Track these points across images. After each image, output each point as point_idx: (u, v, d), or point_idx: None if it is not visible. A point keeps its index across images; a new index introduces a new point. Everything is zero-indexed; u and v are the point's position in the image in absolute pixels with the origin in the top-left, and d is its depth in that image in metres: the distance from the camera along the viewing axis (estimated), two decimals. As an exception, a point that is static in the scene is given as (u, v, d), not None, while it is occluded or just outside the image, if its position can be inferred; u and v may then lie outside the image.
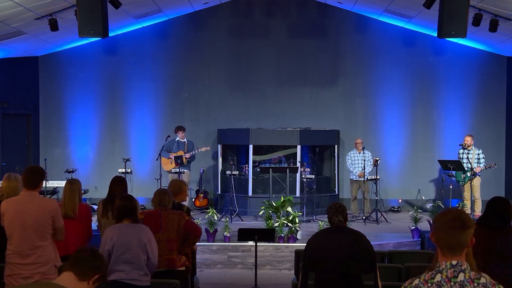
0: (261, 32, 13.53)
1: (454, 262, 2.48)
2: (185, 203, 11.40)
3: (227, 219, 10.11)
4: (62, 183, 10.91)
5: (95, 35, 8.75)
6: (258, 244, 7.96)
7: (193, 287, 6.43)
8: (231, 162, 11.89)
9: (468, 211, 10.99)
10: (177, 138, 11.94)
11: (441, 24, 8.56)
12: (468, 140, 11.48)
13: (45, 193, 11.90)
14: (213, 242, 9.29)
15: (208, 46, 13.59)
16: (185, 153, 11.72)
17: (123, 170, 12.05)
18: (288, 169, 11.61)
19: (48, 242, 5.00)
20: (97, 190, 12.93)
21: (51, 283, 2.89)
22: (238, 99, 13.59)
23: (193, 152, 11.82)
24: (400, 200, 13.29)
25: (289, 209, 9.67)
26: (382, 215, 11.53)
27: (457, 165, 11.16)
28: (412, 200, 13.19)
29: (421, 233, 9.66)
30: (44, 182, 11.71)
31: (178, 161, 11.49)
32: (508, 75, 13.24)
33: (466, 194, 11.38)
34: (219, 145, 13.17)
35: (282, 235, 9.21)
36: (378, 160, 11.78)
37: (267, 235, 8.11)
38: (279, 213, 9.65)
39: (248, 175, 12.51)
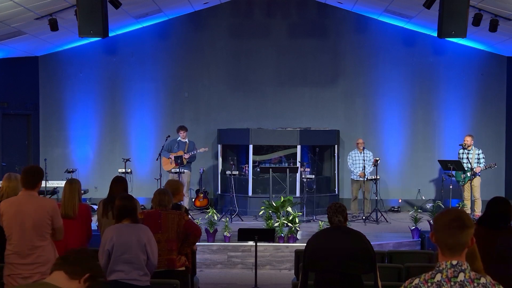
0: (261, 32, 13.53)
1: (454, 262, 2.48)
2: (185, 203, 11.46)
3: (227, 219, 10.11)
4: (62, 183, 10.89)
5: (95, 35, 8.75)
6: (258, 244, 7.96)
7: (193, 287, 6.43)
8: (231, 162, 11.89)
9: (468, 211, 10.98)
10: (179, 138, 11.94)
11: (441, 24, 8.56)
12: (468, 140, 11.48)
13: (45, 193, 11.90)
14: (213, 242, 9.29)
15: (208, 46, 13.59)
16: (185, 153, 11.72)
17: (123, 170, 12.05)
18: (288, 169, 11.61)
19: (48, 242, 5.00)
20: (97, 190, 12.92)
21: (46, 283, 2.88)
22: (238, 99, 13.59)
23: (193, 152, 11.82)
24: (400, 200, 13.29)
25: (289, 209, 9.67)
26: (382, 215, 11.53)
27: (457, 165, 11.16)
28: (412, 200, 13.19)
29: (421, 233, 9.66)
30: (43, 182, 11.79)
31: (178, 161, 11.49)
32: (508, 75, 13.24)
33: (466, 194, 11.38)
34: (219, 145, 13.17)
35: (282, 235, 9.21)
36: (378, 160, 11.78)
37: (267, 235, 8.12)
38: (279, 213, 9.65)
39: (248, 175, 12.51)
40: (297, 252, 6.80)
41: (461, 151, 11.54)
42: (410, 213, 10.53)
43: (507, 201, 4.74)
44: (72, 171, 12.19)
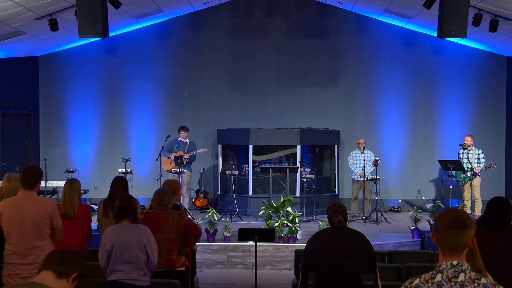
0: (261, 32, 13.53)
1: (454, 262, 2.48)
2: (185, 203, 11.46)
3: (227, 219, 10.11)
4: (62, 183, 10.88)
5: (95, 35, 8.75)
6: (258, 244, 7.96)
7: (193, 287, 6.43)
8: (231, 162, 11.89)
9: (468, 211, 10.98)
10: (179, 138, 11.94)
11: (441, 24, 8.56)
12: (468, 140, 11.48)
13: (45, 193, 11.90)
14: (213, 242, 9.29)
15: (208, 46, 13.59)
16: (184, 153, 11.72)
17: (123, 170, 12.05)
18: (288, 169, 11.61)
19: (47, 242, 5.00)
20: (97, 190, 12.92)
21: (35, 283, 2.88)
22: (238, 99, 13.59)
23: (193, 152, 11.82)
24: (400, 200, 13.29)
25: (289, 209, 9.67)
26: (382, 215, 11.53)
27: (457, 165, 11.16)
28: (412, 200, 13.19)
29: (421, 233, 9.66)
30: (43, 182, 11.79)
31: (178, 161, 11.49)
32: (508, 75, 13.24)
33: (466, 194, 11.38)
34: (219, 145, 13.16)
35: (282, 235, 9.20)
36: (378, 160, 11.78)
37: (267, 235, 8.12)
38: (279, 213, 9.64)
39: (248, 175, 12.50)
40: (297, 252, 6.80)
41: (461, 151, 11.54)
42: (410, 213, 10.53)
43: (507, 201, 4.74)
44: (72, 171, 12.18)
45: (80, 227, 6.12)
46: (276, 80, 13.58)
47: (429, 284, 2.48)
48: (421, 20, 12.19)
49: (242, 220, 11.33)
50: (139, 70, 13.56)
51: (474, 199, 11.32)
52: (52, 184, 12.02)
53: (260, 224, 10.27)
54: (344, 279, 4.60)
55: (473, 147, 11.46)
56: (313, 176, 12.10)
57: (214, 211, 9.98)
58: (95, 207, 9.36)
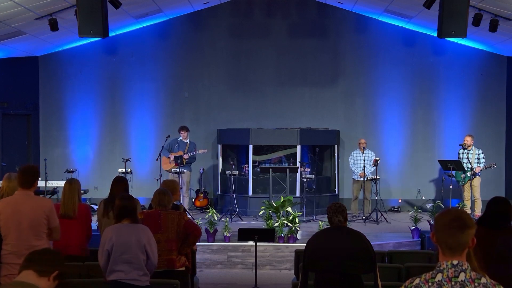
0: (261, 32, 13.53)
1: (455, 262, 2.48)
2: (185, 203, 11.46)
3: (227, 219, 10.11)
4: (62, 183, 10.87)
5: (95, 35, 8.75)
6: (258, 244, 7.96)
7: (193, 287, 6.43)
8: (231, 162, 11.89)
9: (468, 211, 10.98)
10: (180, 138, 11.94)
11: (441, 24, 8.56)
12: (468, 140, 11.48)
13: (45, 193, 11.90)
14: (213, 242, 9.29)
15: (208, 46, 13.59)
16: (184, 153, 11.71)
17: (123, 170, 12.05)
18: (288, 169, 11.61)
19: (44, 242, 4.99)
20: (97, 190, 12.92)
21: (21, 282, 2.93)
22: (238, 99, 13.59)
23: (193, 153, 11.81)
24: (400, 200, 13.29)
25: (289, 209, 9.67)
26: (382, 215, 11.53)
27: (457, 165, 11.16)
28: (412, 200, 13.18)
29: (421, 233, 9.65)
30: (44, 182, 11.79)
31: (178, 161, 11.49)
32: (508, 75, 13.24)
33: (466, 194, 11.38)
34: (219, 145, 13.16)
35: (282, 235, 9.20)
36: (378, 160, 11.78)
37: (267, 235, 8.12)
38: (279, 213, 9.64)
39: (248, 175, 12.50)
40: (297, 252, 6.80)
41: (461, 151, 11.54)
42: (410, 213, 10.53)
43: (507, 201, 4.74)
44: (72, 171, 12.18)
45: (80, 227, 6.13)
46: (276, 80, 13.58)
47: (430, 284, 2.48)
48: (421, 20, 12.19)
49: (242, 220, 11.33)
50: (139, 70, 13.56)
51: (474, 199, 11.32)
52: (52, 184, 12.01)
53: (260, 224, 10.27)
54: (344, 279, 4.60)
55: (473, 147, 11.46)
56: (313, 176, 12.10)
57: (214, 211, 9.98)
58: (95, 207, 9.37)
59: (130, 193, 6.11)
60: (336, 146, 13.08)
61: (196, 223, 6.69)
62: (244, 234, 8.10)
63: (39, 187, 11.74)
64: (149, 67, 13.59)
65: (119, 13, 10.32)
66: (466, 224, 2.49)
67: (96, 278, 5.45)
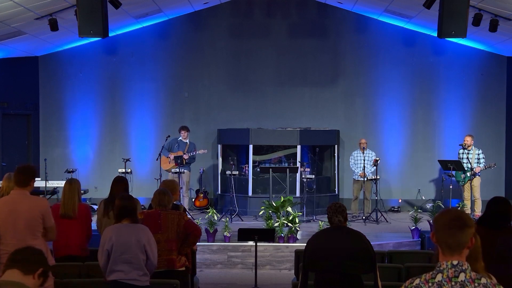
0: (261, 32, 13.53)
1: (455, 262, 2.48)
2: (185, 203, 11.46)
3: (227, 219, 10.11)
4: (62, 183, 10.87)
5: (95, 35, 8.75)
6: (258, 244, 7.96)
7: (193, 287, 6.43)
8: (231, 162, 11.89)
9: (468, 211, 10.99)
10: (180, 138, 11.94)
11: (441, 24, 8.56)
12: (468, 140, 11.48)
13: (45, 193, 11.90)
14: (213, 242, 9.29)
15: (208, 46, 13.59)
16: (184, 153, 11.70)
17: (123, 170, 12.05)
18: (288, 169, 11.61)
19: (40, 241, 4.98)
20: (97, 190, 12.92)
21: (9, 281, 2.95)
22: (238, 99, 13.59)
23: (193, 153, 11.81)
24: (400, 200, 13.29)
25: (289, 209, 9.67)
26: (382, 215, 11.53)
27: (457, 165, 11.16)
28: (412, 200, 13.18)
29: (421, 233, 9.65)
30: (42, 182, 11.78)
31: (178, 161, 11.49)
32: (508, 75, 13.24)
33: (466, 194, 11.38)
34: (219, 145, 13.16)
35: (282, 235, 9.20)
36: (378, 160, 11.77)
37: (267, 235, 8.12)
38: (279, 213, 9.64)
39: (248, 175, 12.50)
40: (297, 252, 6.80)
41: (461, 151, 11.54)
42: (410, 213, 10.53)
43: (507, 201, 4.74)
44: (72, 171, 12.18)
45: (80, 227, 6.13)
46: (276, 80, 13.58)
47: (430, 284, 2.48)
48: (421, 20, 12.19)
49: (242, 220, 11.33)
50: (139, 70, 13.56)
51: (474, 199, 11.32)
52: (52, 184, 12.02)
53: (260, 224, 10.27)
54: (344, 279, 4.60)
55: (473, 147, 11.46)
56: (313, 176, 12.10)
57: (214, 211, 9.98)
58: (95, 207, 9.37)
59: (130, 193, 6.12)
60: (336, 146, 13.08)
61: (196, 223, 6.69)
62: (244, 234, 8.10)
63: (39, 187, 11.84)
64: (149, 67, 13.59)
65: (119, 13, 10.32)
66: (466, 224, 2.49)
67: (96, 278, 5.45)
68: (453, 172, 11.41)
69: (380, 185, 12.04)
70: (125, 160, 12.14)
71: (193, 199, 12.89)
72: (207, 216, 10.00)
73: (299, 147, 12.40)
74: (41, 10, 10.09)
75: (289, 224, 9.34)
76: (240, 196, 12.23)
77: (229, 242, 9.27)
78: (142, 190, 12.55)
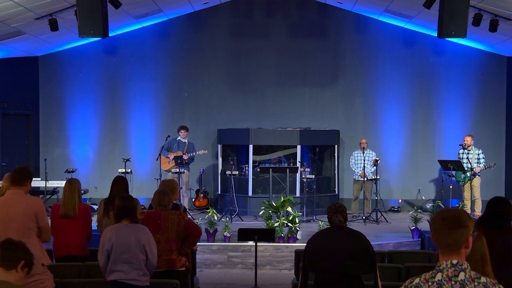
0: (261, 32, 13.53)
1: (454, 261, 2.48)
2: (185, 203, 11.45)
3: (227, 219, 10.11)
4: (62, 183, 10.89)
5: (95, 35, 8.75)
6: (258, 244, 7.96)
7: (193, 287, 6.43)
8: (231, 162, 11.89)
9: (468, 211, 10.98)
10: (178, 138, 11.94)
11: (441, 24, 8.56)
12: (468, 140, 11.48)
13: (45, 193, 11.91)
14: (213, 242, 9.29)
15: (208, 46, 13.59)
16: (183, 154, 11.70)
17: (123, 170, 12.05)
18: (288, 169, 11.61)
19: (34, 240, 4.97)
20: (97, 190, 12.93)
21: None
22: (238, 99, 13.59)
23: (192, 154, 11.81)
24: (400, 200, 13.29)
25: (289, 209, 9.67)
26: (382, 215, 11.53)
27: (457, 165, 11.16)
28: (412, 200, 13.18)
29: (421, 233, 9.65)
30: (42, 182, 11.78)
31: (178, 161, 11.49)
32: (508, 75, 13.24)
33: (466, 194, 11.38)
34: (219, 145, 13.16)
35: (282, 235, 9.20)
36: (378, 160, 11.77)
37: (267, 235, 8.11)
38: (279, 213, 9.64)
39: (248, 175, 12.50)
40: (297, 252, 6.80)
41: (461, 151, 11.54)
42: (410, 213, 10.53)
43: (507, 201, 4.74)
44: (72, 171, 12.19)
45: (80, 227, 6.13)
46: (276, 80, 13.58)
47: (430, 283, 2.48)
48: (421, 20, 12.19)
49: (242, 220, 11.33)
50: (139, 70, 13.56)
51: (474, 199, 11.32)
52: (52, 184, 12.03)
53: (260, 224, 10.27)
54: (344, 279, 4.60)
55: (473, 147, 11.46)
56: (313, 176, 12.10)
57: (214, 211, 9.98)
58: (95, 207, 9.37)
59: (130, 193, 6.12)
60: (336, 146, 13.08)
61: (196, 223, 6.69)
62: (244, 234, 8.10)
63: (39, 187, 11.85)
64: (149, 67, 13.59)
65: (119, 13, 10.32)
66: (461, 223, 2.50)
67: (96, 278, 5.45)
68: (453, 172, 11.41)
69: (380, 185, 12.04)
70: (125, 160, 12.14)
71: (193, 199, 12.89)
72: (207, 216, 10.00)
73: (299, 147, 12.40)
74: (41, 10, 10.09)
75: (289, 224, 9.34)
76: (240, 196, 12.23)
77: (229, 242, 9.27)
78: (142, 190, 12.55)
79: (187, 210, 10.28)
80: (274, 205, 9.85)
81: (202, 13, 13.52)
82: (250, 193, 12.35)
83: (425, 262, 6.66)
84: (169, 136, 11.94)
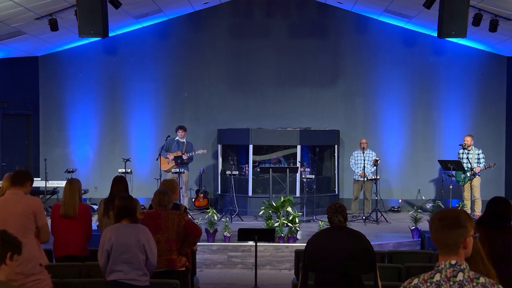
0: (261, 32, 13.53)
1: (453, 262, 2.48)
2: (185, 203, 11.45)
3: (227, 219, 10.11)
4: (62, 183, 10.91)
5: (95, 35, 8.76)
6: (258, 244, 7.96)
7: (193, 287, 6.43)
8: (231, 162, 11.89)
9: (468, 211, 10.98)
10: (177, 138, 11.94)
11: (441, 24, 8.56)
12: (468, 140, 11.47)
13: (45, 193, 11.91)
14: (213, 242, 9.29)
15: (208, 46, 13.59)
16: (182, 153, 11.70)
17: (123, 170, 12.05)
18: (288, 169, 11.61)
19: (31, 240, 4.97)
20: (97, 190, 12.93)
21: None
22: (238, 99, 13.59)
23: (191, 154, 11.81)
24: (400, 200, 13.29)
25: (289, 209, 9.67)
26: (382, 215, 11.53)
27: (457, 165, 11.16)
28: (412, 200, 13.18)
29: (421, 233, 9.66)
30: (42, 182, 11.78)
31: (178, 161, 11.49)
32: (508, 75, 13.24)
33: (466, 194, 11.38)
34: (219, 145, 13.16)
35: (282, 235, 9.20)
36: (378, 160, 11.77)
37: (267, 235, 8.11)
38: (279, 213, 9.64)
39: (248, 175, 12.50)
40: (297, 252, 6.80)
41: (461, 151, 11.53)
42: (410, 213, 10.53)
43: (507, 201, 4.74)
44: (72, 171, 12.19)
45: (80, 227, 6.13)
46: (276, 80, 13.58)
47: (428, 284, 2.48)
48: (421, 20, 12.19)
49: (242, 220, 11.33)
50: (139, 70, 13.56)
51: (474, 199, 11.32)
52: (52, 184, 12.03)
53: (260, 224, 10.27)
54: (344, 279, 4.60)
55: (473, 147, 11.46)
56: (313, 176, 12.10)
57: (214, 211, 9.98)
58: (95, 207, 9.37)
59: (130, 193, 6.12)
60: (336, 146, 13.08)
61: (196, 223, 6.69)
62: (244, 234, 8.10)
63: (39, 187, 11.85)
64: (149, 67, 13.59)
65: (119, 13, 10.32)
66: (458, 223, 2.50)
67: (96, 278, 5.45)
68: (453, 172, 11.41)
69: (380, 185, 12.04)
70: (125, 160, 12.14)
71: (193, 199, 12.89)
72: (207, 216, 10.00)
73: (299, 147, 12.40)
74: (41, 10, 10.09)
75: (289, 224, 9.34)
76: (240, 196, 12.24)
77: (229, 242, 9.27)
78: (142, 190, 12.56)
79: (187, 209, 10.27)
80: (274, 205, 9.86)
81: (202, 13, 13.52)
82: (250, 193, 12.35)
83: (425, 262, 6.66)
84: (169, 136, 11.94)
